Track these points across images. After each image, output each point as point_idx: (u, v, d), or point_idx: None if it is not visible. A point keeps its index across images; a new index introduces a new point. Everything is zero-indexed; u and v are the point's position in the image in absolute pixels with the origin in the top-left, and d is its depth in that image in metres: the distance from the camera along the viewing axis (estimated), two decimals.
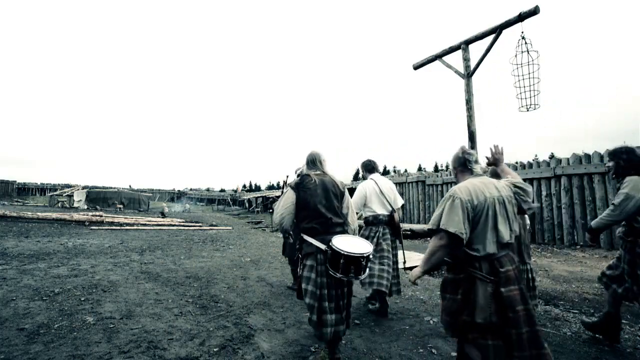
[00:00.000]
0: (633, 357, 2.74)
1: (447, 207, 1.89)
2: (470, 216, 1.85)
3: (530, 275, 3.04)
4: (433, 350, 2.79)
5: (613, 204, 2.60)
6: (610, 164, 2.84)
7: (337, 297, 2.45)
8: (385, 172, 44.62)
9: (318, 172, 2.72)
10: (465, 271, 1.88)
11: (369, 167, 3.88)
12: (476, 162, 2.10)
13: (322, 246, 2.43)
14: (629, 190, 2.52)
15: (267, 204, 26.45)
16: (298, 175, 3.01)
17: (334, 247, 2.32)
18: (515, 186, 2.03)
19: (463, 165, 2.11)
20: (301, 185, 2.61)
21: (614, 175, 2.83)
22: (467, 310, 1.82)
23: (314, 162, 2.77)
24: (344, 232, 2.64)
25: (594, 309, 4.10)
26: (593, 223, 2.75)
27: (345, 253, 2.28)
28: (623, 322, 3.64)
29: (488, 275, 1.80)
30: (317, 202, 2.54)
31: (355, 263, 2.32)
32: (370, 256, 2.42)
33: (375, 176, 3.81)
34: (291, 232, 2.68)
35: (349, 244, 2.39)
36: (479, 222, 1.86)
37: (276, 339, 2.95)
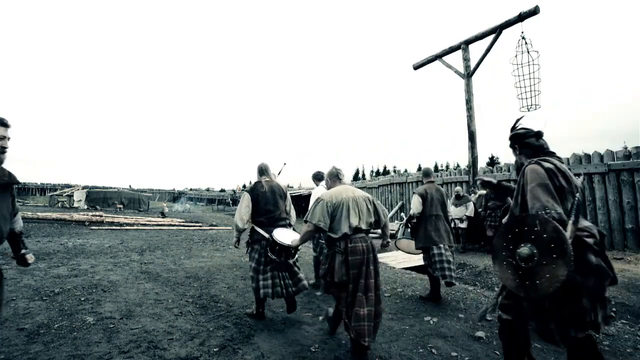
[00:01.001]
0: (633, 357, 2.74)
1: (314, 207, 2.71)
2: (330, 211, 2.62)
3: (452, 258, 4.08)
4: (433, 350, 2.79)
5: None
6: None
7: (276, 269, 3.27)
8: (386, 172, 44.60)
9: (267, 178, 3.53)
10: (331, 248, 2.67)
11: (320, 177, 4.70)
12: (343, 175, 2.99)
13: (267, 235, 3.23)
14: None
15: None
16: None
17: (272, 237, 3.13)
18: None
19: (336, 176, 2.96)
20: (255, 190, 3.41)
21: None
22: (330, 273, 2.63)
23: (263, 171, 3.59)
24: (286, 225, 3.46)
25: None
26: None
27: (279, 242, 3.08)
28: (622, 322, 3.64)
29: (341, 249, 2.59)
30: (266, 202, 3.37)
31: (286, 250, 3.12)
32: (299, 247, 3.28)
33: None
34: (240, 232, 3.42)
35: (284, 236, 3.17)
36: (336, 215, 2.63)
37: (276, 339, 2.95)
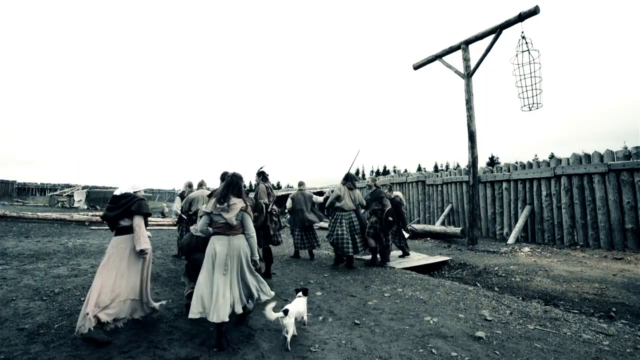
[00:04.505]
0: (633, 357, 2.74)
1: (177, 199, 6.85)
2: (190, 202, 5.80)
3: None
4: (433, 350, 2.79)
5: (328, 196, 5.96)
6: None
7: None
8: (386, 172, 44.59)
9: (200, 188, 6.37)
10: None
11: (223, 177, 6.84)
12: (204, 184, 6.30)
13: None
14: (334, 190, 5.65)
15: None
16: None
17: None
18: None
19: (200, 185, 6.27)
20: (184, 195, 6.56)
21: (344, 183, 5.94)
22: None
23: (190, 185, 6.83)
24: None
25: (594, 309, 4.11)
26: (327, 204, 5.99)
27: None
28: (622, 322, 3.64)
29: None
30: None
31: None
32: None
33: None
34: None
35: None
36: (192, 203, 5.79)
37: (276, 339, 2.95)
